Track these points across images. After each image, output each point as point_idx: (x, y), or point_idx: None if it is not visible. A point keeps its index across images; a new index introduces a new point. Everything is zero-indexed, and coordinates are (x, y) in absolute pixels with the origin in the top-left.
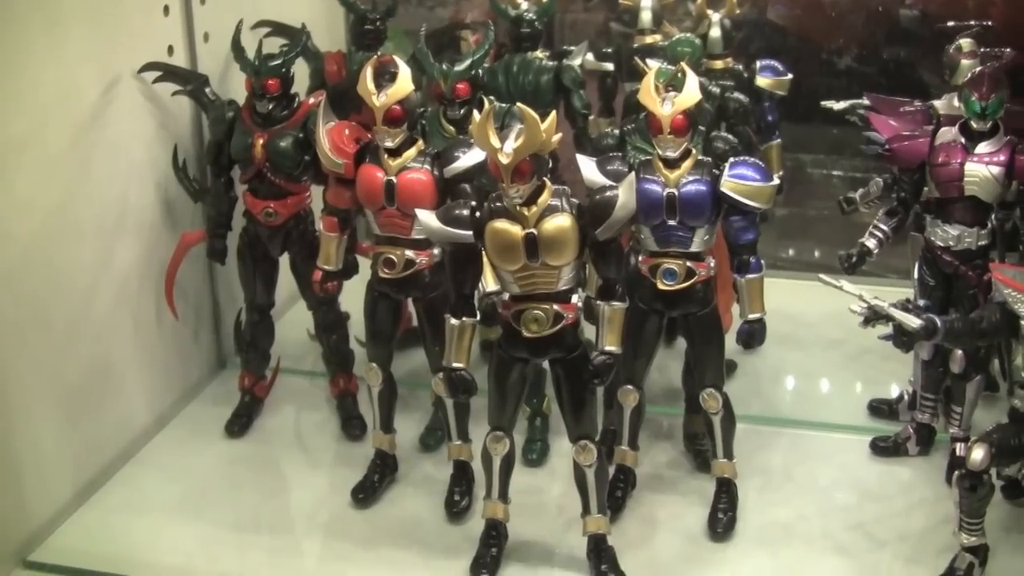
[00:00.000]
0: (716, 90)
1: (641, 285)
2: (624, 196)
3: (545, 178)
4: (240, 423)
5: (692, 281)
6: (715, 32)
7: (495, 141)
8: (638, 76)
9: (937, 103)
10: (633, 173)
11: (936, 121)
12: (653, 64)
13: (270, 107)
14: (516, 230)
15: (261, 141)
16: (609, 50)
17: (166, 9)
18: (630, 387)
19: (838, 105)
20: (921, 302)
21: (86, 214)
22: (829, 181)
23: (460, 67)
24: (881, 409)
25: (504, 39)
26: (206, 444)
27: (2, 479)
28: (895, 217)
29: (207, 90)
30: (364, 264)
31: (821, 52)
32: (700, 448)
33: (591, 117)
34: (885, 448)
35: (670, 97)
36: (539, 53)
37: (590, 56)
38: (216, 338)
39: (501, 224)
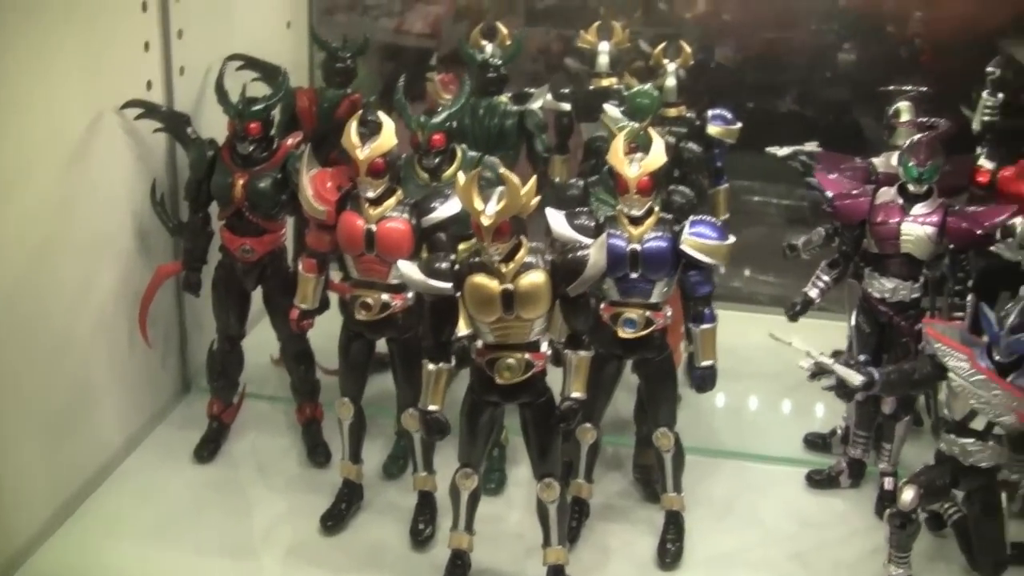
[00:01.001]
0: (672, 139)
1: (601, 331)
2: (595, 256)
3: (522, 237)
4: (209, 448)
5: (651, 330)
6: (670, 82)
7: (479, 204)
8: (594, 116)
9: (876, 160)
10: (605, 235)
11: (875, 178)
12: (613, 112)
13: (251, 149)
14: (494, 285)
15: (241, 181)
16: (566, 91)
17: (147, 44)
18: (588, 425)
19: (781, 151)
20: (862, 357)
21: (71, 242)
22: (765, 210)
23: (437, 119)
24: (816, 443)
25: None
26: (175, 468)
27: None
28: (836, 268)
29: (188, 129)
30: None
31: (768, 95)
32: (649, 479)
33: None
34: (820, 480)
35: (637, 159)
36: (503, 97)
37: (549, 96)
38: (182, 363)
39: (480, 279)
